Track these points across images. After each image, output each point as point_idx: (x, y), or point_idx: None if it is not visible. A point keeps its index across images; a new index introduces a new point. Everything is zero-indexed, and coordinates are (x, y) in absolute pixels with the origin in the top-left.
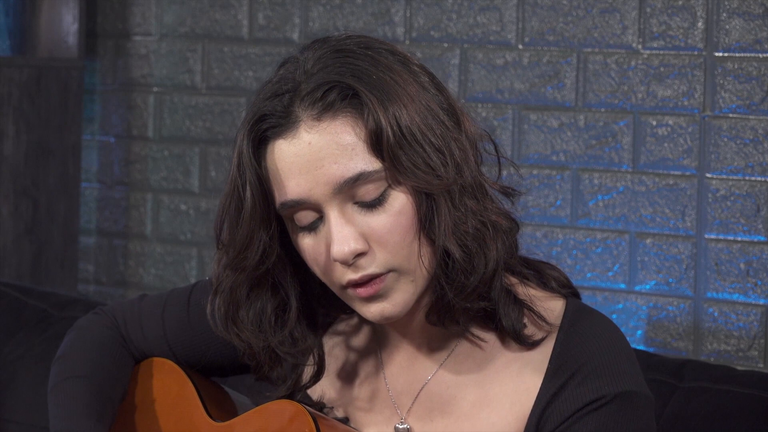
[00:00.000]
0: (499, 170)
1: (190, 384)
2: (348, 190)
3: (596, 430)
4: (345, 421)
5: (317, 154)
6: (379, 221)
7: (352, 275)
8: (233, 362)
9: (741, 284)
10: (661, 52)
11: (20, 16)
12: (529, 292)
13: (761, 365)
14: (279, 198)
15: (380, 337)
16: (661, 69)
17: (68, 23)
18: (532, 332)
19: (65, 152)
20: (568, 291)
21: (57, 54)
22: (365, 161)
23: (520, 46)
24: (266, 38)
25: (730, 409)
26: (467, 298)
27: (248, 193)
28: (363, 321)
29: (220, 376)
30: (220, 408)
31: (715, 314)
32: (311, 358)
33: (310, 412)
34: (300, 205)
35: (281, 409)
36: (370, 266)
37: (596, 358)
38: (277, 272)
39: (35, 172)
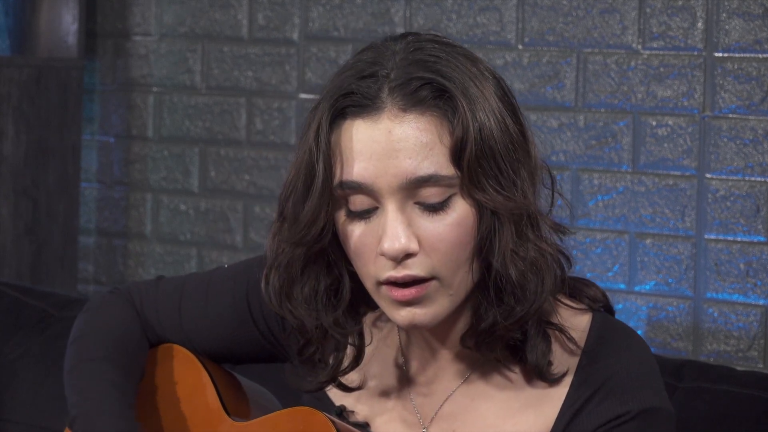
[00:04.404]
0: (551, 205)
1: (206, 374)
2: (414, 188)
3: None
4: (365, 426)
5: (395, 144)
6: (436, 227)
7: (393, 272)
8: (248, 352)
9: (741, 285)
10: (661, 52)
11: (20, 16)
12: (559, 311)
13: (761, 365)
14: (341, 176)
15: (407, 346)
16: (661, 69)
17: (68, 23)
18: (557, 366)
19: (65, 152)
20: (600, 305)
21: (57, 54)
22: (440, 164)
23: (520, 47)
24: (266, 38)
25: (730, 409)
26: (510, 326)
27: (321, 167)
28: (392, 328)
29: (233, 364)
30: (235, 400)
31: (715, 314)
32: (352, 342)
33: (331, 420)
34: (360, 189)
35: (299, 415)
36: (414, 268)
37: (620, 373)
38: (333, 250)
39: (35, 172)
